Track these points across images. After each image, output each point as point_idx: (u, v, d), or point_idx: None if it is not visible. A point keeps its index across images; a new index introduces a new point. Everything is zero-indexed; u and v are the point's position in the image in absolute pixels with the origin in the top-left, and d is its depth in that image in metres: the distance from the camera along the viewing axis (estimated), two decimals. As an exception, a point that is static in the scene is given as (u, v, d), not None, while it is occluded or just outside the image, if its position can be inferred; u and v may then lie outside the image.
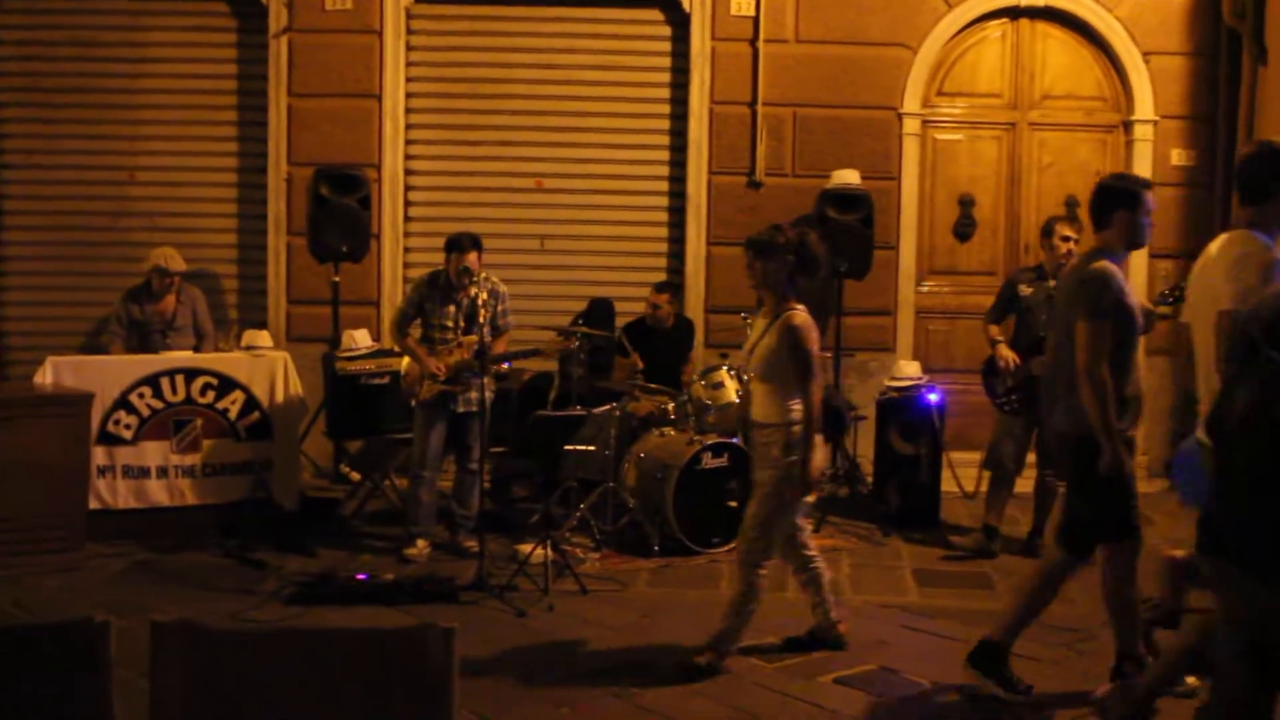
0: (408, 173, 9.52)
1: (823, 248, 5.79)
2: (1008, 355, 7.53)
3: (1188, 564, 5.56)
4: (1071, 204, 9.55)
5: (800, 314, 5.60)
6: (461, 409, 7.32)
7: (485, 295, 7.14)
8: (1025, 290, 7.60)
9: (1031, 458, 7.63)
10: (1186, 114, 9.50)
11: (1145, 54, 9.44)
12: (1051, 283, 7.42)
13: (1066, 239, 7.43)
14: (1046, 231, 7.61)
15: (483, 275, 7.32)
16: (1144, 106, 9.47)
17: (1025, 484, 7.67)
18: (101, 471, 7.51)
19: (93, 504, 7.39)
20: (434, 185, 9.56)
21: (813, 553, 5.91)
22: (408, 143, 9.51)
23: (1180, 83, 9.49)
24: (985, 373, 7.71)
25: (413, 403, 7.41)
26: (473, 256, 7.20)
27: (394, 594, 6.42)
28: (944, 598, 6.71)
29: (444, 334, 7.33)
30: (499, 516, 7.82)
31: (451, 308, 7.33)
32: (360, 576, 6.63)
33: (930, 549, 7.65)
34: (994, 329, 7.76)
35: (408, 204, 9.53)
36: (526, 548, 6.84)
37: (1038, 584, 5.31)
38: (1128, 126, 9.55)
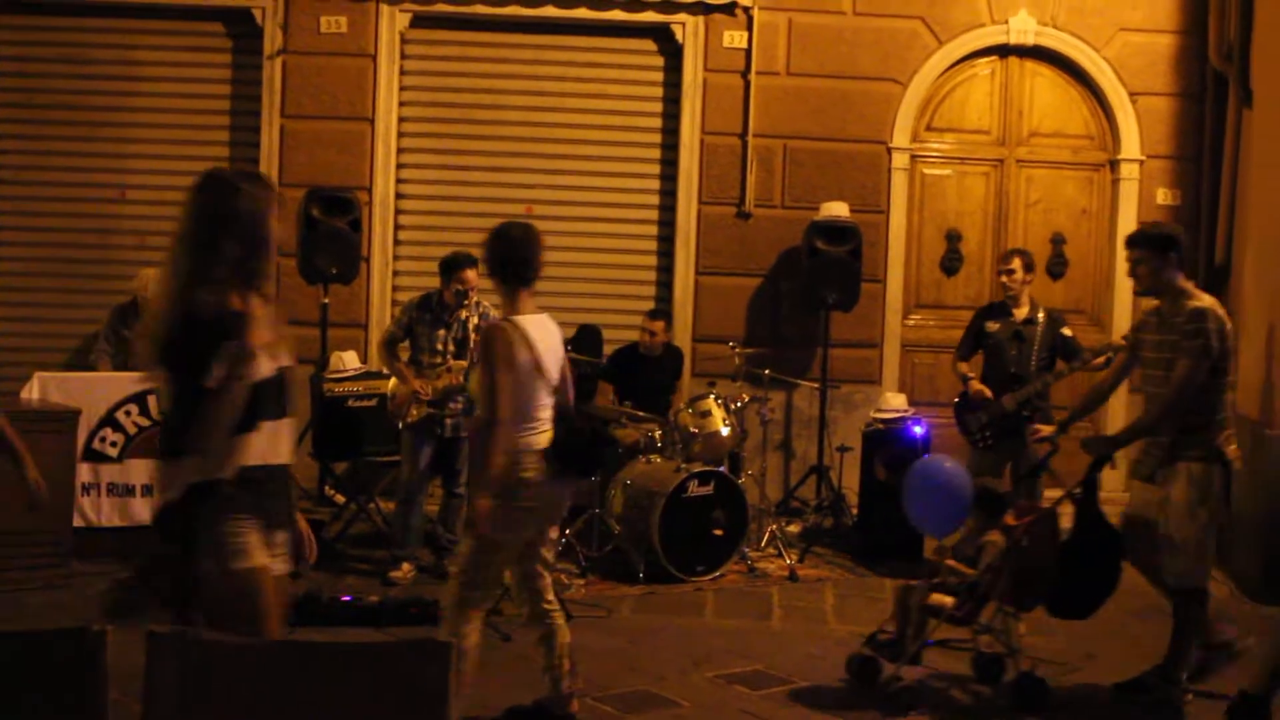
0: (399, 196, 9.58)
1: None
2: (979, 389, 7.60)
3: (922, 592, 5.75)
4: (1057, 241, 9.68)
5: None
6: (449, 433, 7.35)
7: (477, 319, 7.19)
8: (991, 326, 7.71)
9: None
10: (1172, 154, 9.64)
11: (1132, 94, 9.58)
12: (1016, 317, 7.51)
13: (1010, 272, 7.57)
14: (1004, 261, 7.79)
15: (474, 300, 7.38)
16: (1130, 146, 9.60)
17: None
18: (86, 489, 7.51)
19: (77, 522, 7.37)
20: (425, 209, 9.62)
21: (551, 606, 5.23)
22: (399, 166, 9.57)
23: (1166, 123, 9.63)
24: (958, 409, 7.79)
25: (400, 425, 7.44)
26: (470, 273, 7.26)
27: (378, 616, 6.44)
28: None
29: (433, 358, 7.38)
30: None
31: (442, 331, 7.39)
32: (345, 598, 6.64)
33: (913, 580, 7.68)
34: (963, 365, 7.87)
35: (398, 227, 9.58)
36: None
37: None
38: (1114, 165, 9.67)
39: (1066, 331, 7.61)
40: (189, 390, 3.62)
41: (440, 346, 7.41)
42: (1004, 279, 7.69)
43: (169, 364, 3.70)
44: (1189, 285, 5.79)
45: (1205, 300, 5.69)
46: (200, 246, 3.70)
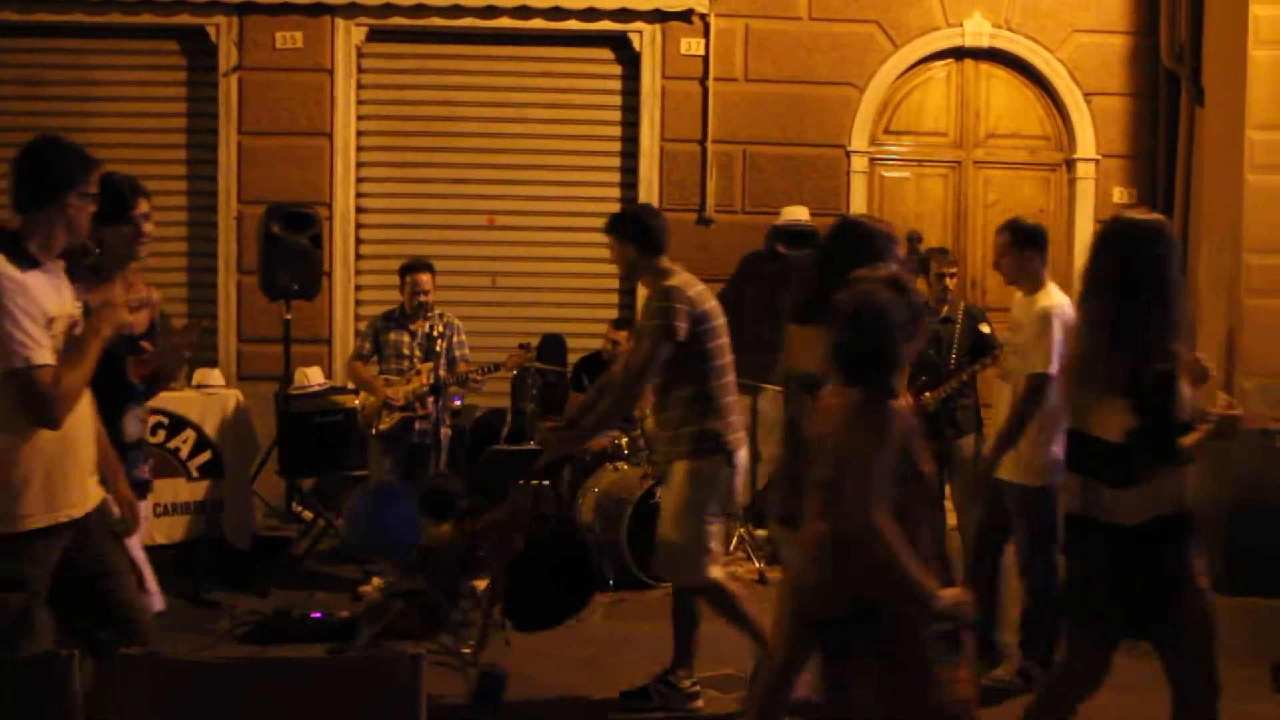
0: (359, 210, 9.58)
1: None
2: None
3: None
4: (1016, 240, 9.75)
5: None
6: (417, 440, 7.38)
7: (441, 328, 7.27)
8: None
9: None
10: (1127, 153, 9.76)
11: (1087, 94, 9.70)
12: (945, 313, 7.49)
13: (942, 275, 7.55)
14: (924, 265, 7.71)
15: (437, 311, 7.45)
16: (1086, 145, 9.72)
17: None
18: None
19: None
20: (386, 223, 9.63)
21: None
22: (359, 180, 9.57)
23: (1121, 122, 9.75)
24: None
25: (372, 432, 7.46)
26: (425, 277, 7.37)
27: (349, 632, 6.42)
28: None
29: (400, 363, 7.44)
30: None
31: (407, 336, 7.46)
32: (315, 615, 6.64)
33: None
34: None
35: (359, 241, 9.58)
36: (482, 583, 6.86)
37: None
38: (1070, 165, 9.79)
39: (984, 328, 7.53)
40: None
41: (406, 351, 7.48)
42: (949, 282, 7.65)
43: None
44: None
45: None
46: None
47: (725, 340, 5.50)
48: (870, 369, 3.59)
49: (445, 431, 7.54)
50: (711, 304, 5.48)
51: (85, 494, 3.88)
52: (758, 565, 7.91)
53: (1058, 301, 5.70)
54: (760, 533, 8.63)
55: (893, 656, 3.53)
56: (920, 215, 9.79)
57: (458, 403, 8.00)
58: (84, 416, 3.87)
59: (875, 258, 4.23)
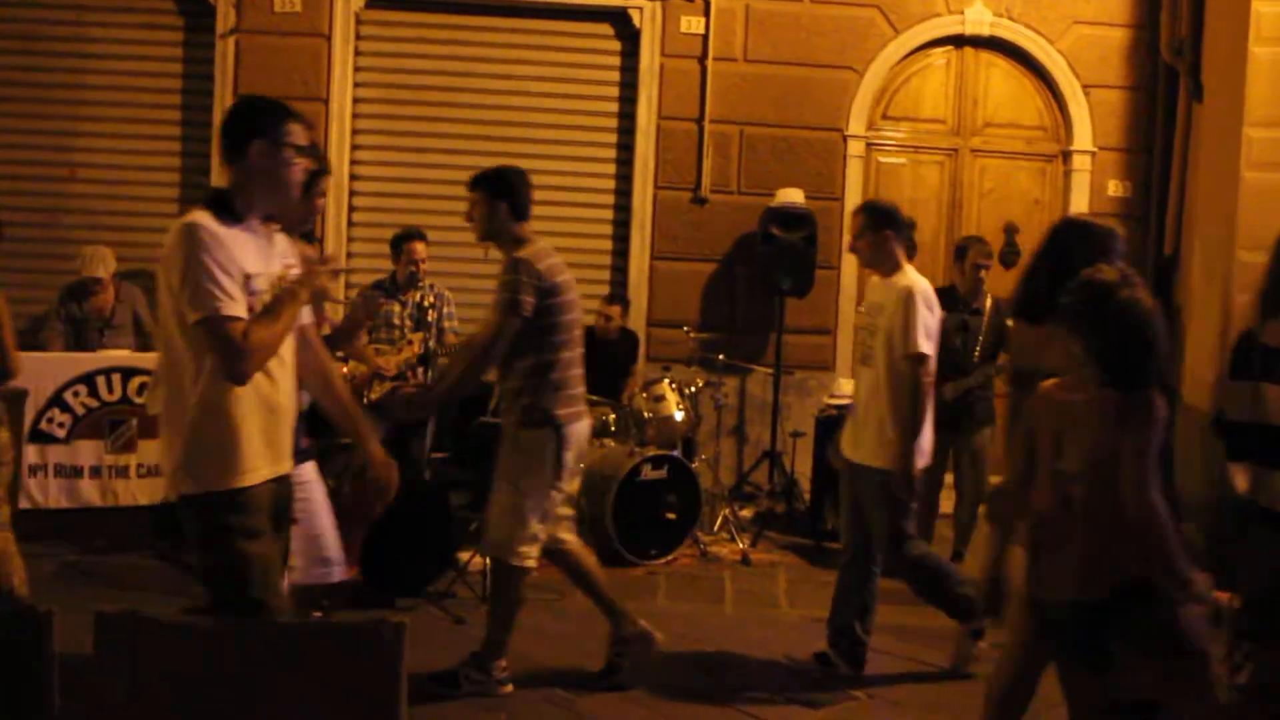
0: (353, 177, 9.51)
1: None
2: None
3: None
4: (1010, 230, 9.74)
5: None
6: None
7: (432, 298, 7.22)
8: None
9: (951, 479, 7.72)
10: (1124, 146, 9.73)
11: (1085, 86, 9.66)
12: (972, 304, 7.48)
13: (979, 266, 7.54)
14: (960, 254, 7.73)
15: (428, 283, 7.41)
16: (1083, 137, 9.68)
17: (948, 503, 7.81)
18: (33, 470, 7.41)
19: (23, 504, 7.26)
20: (379, 190, 9.55)
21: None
22: (354, 147, 9.50)
23: (1118, 115, 9.71)
24: None
25: (362, 402, 7.41)
26: (420, 246, 7.33)
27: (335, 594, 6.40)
28: (879, 614, 6.78)
29: (391, 333, 7.39)
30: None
31: (398, 306, 7.41)
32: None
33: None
34: None
35: (352, 209, 9.52)
36: (465, 555, 6.85)
37: None
38: (1066, 156, 9.75)
39: (1010, 322, 7.51)
40: None
41: (397, 322, 7.43)
42: (982, 273, 7.63)
43: None
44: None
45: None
46: None
47: (576, 315, 5.45)
48: (1138, 368, 3.70)
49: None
50: (564, 277, 5.40)
51: (289, 455, 3.89)
52: (741, 546, 7.89)
53: (916, 280, 5.66)
54: (745, 513, 8.63)
55: (1176, 637, 3.67)
56: (915, 202, 9.75)
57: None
58: (287, 379, 3.84)
59: (1099, 256, 4.30)
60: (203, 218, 3.67)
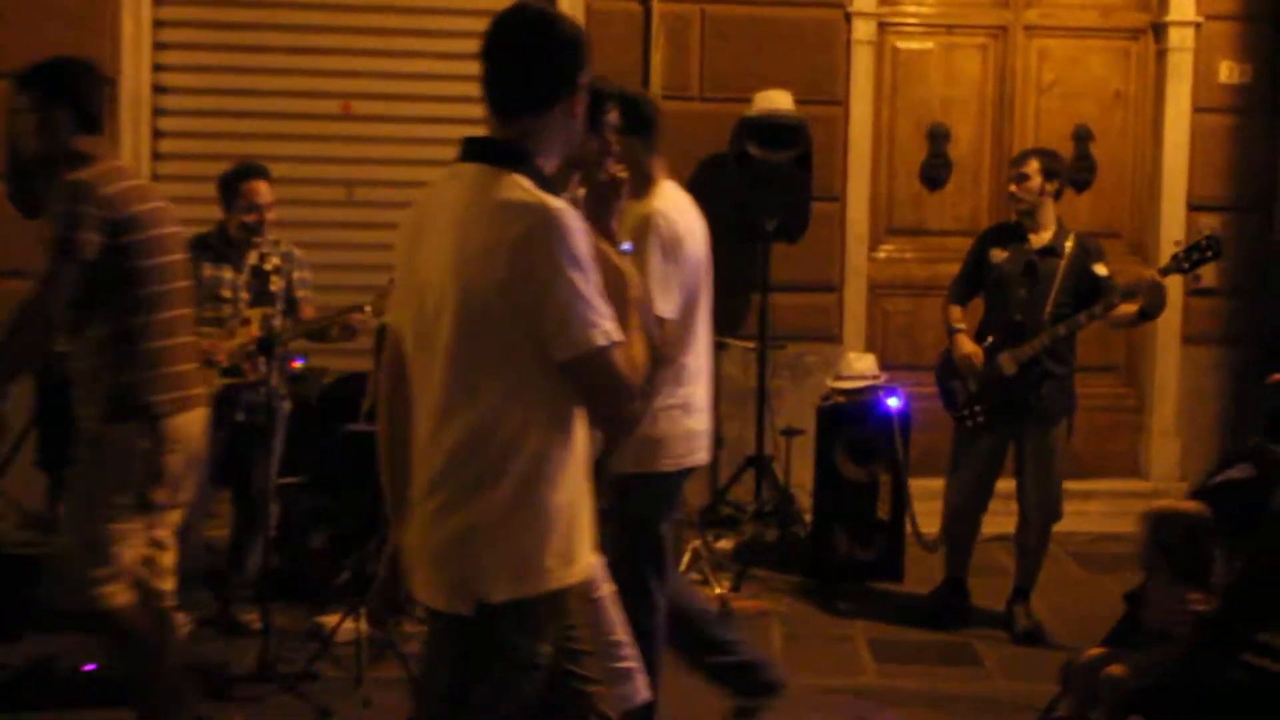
0: (157, 90, 9.38)
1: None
2: (968, 350, 7.51)
3: None
4: (1082, 138, 9.75)
5: None
6: (242, 417, 7.26)
7: (278, 260, 7.10)
8: (998, 255, 7.53)
9: (1010, 486, 7.68)
10: (1238, 13, 9.74)
11: (1182, -70, 9.70)
12: (1033, 243, 7.45)
13: (1024, 178, 7.47)
14: (1016, 163, 7.64)
15: (272, 238, 7.31)
16: (1182, 3, 9.68)
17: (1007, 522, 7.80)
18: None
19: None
20: (195, 109, 9.44)
21: None
22: (157, 47, 9.36)
23: (1230, -29, 9.75)
24: (941, 374, 7.73)
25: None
26: (263, 186, 7.22)
27: (134, 691, 6.33)
28: (912, 677, 6.78)
29: (219, 308, 7.26)
30: (291, 576, 7.77)
31: (229, 272, 7.29)
32: (88, 667, 6.54)
33: (892, 611, 7.76)
34: (956, 311, 7.65)
35: (156, 134, 9.41)
36: (331, 620, 6.80)
37: None
38: (1159, 31, 9.77)
39: (1101, 269, 7.35)
40: None
41: (228, 293, 7.31)
42: (1014, 188, 7.54)
43: None
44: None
45: None
46: None
47: (172, 259, 5.29)
48: None
49: (285, 405, 7.44)
50: (146, 206, 5.20)
51: None
52: (719, 590, 7.86)
53: (664, 206, 5.45)
54: (723, 545, 8.60)
55: None
56: (948, 103, 9.74)
57: (299, 363, 7.85)
58: None
59: None
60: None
